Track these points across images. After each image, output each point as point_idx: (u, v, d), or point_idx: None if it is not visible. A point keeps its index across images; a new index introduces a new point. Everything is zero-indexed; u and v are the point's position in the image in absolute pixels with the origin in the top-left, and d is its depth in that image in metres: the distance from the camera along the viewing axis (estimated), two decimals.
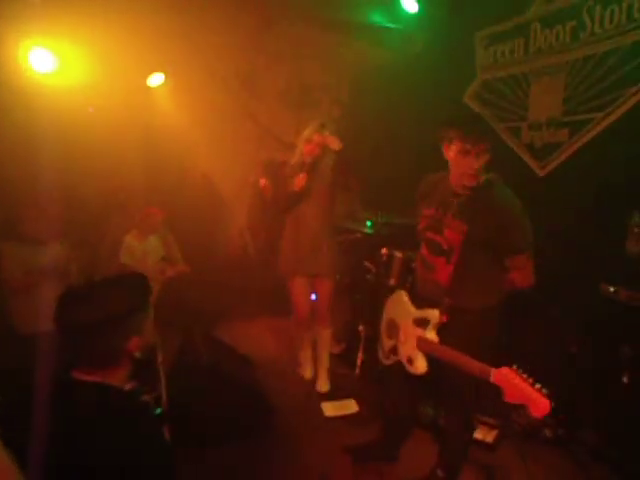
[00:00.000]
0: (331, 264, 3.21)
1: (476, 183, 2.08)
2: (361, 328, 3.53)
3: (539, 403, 1.56)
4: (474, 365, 1.84)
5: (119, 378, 1.28)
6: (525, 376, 1.65)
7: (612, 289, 2.43)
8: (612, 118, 2.86)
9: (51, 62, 3.75)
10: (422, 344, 2.12)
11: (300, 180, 3.04)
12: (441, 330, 2.11)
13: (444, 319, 2.09)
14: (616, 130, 2.84)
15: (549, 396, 1.57)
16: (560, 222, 2.88)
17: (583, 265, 2.70)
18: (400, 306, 2.37)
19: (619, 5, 2.76)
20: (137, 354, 1.31)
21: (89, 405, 1.18)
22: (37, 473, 1.09)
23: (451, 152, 2.10)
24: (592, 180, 2.88)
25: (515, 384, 1.64)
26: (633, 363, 2.31)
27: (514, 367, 1.69)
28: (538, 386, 1.60)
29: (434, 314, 2.10)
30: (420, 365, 2.13)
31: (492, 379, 1.73)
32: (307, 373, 3.50)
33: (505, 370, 1.70)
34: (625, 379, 2.31)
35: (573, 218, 2.89)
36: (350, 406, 3.16)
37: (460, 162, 2.06)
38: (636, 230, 2.54)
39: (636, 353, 2.30)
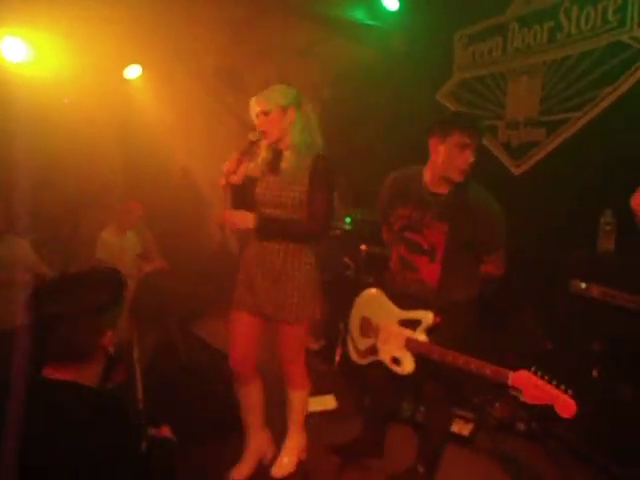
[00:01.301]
0: (295, 308, 2.18)
1: (463, 180, 2.09)
2: (341, 325, 3.54)
3: (566, 403, 1.58)
4: (485, 367, 1.82)
5: (92, 374, 1.26)
6: (547, 378, 1.66)
7: (583, 285, 2.48)
8: (588, 118, 2.92)
9: (24, 52, 3.66)
10: (413, 345, 2.11)
11: (229, 164, 2.08)
12: (429, 330, 2.11)
13: (438, 320, 2.08)
14: (592, 130, 2.90)
15: (574, 397, 1.58)
16: (533, 220, 2.94)
17: (555, 262, 2.75)
18: (377, 305, 2.36)
19: (594, 7, 2.82)
20: (110, 349, 1.29)
21: (60, 405, 1.15)
22: (9, 472, 1.07)
23: (445, 146, 2.06)
24: (567, 179, 2.94)
25: (538, 386, 1.66)
26: (603, 358, 2.37)
27: (532, 369, 1.70)
28: (563, 387, 1.62)
29: (427, 316, 2.09)
30: (408, 365, 2.13)
31: (510, 382, 1.73)
32: (250, 448, 2.38)
33: (525, 373, 1.71)
34: (594, 373, 2.37)
35: (546, 216, 2.94)
36: (329, 402, 3.17)
37: (456, 156, 2.04)
38: (608, 228, 2.60)
39: (605, 348, 2.36)
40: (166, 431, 1.57)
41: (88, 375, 1.25)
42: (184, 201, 5.05)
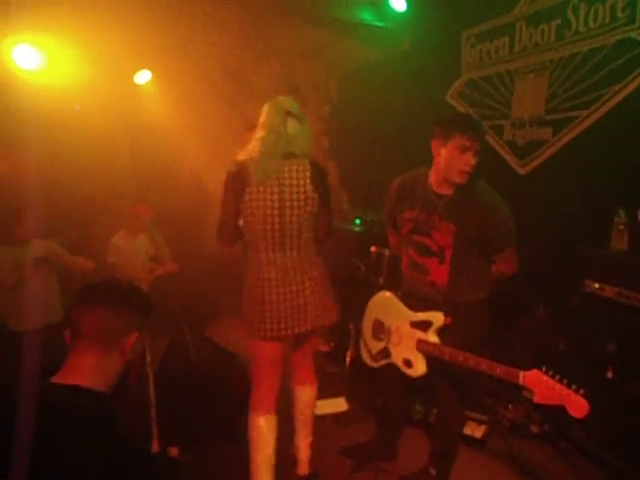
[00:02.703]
0: None
1: (465, 181, 2.08)
2: (351, 326, 3.54)
3: (578, 403, 1.57)
4: (496, 367, 1.82)
5: (110, 369, 1.27)
6: (558, 377, 1.65)
7: (597, 285, 2.46)
8: (596, 116, 2.89)
9: (37, 59, 3.72)
10: (424, 346, 2.11)
11: None
12: (440, 330, 2.11)
13: (449, 321, 2.08)
14: (600, 128, 2.87)
15: (586, 396, 1.57)
16: (543, 220, 2.91)
17: (568, 262, 2.73)
18: (389, 307, 2.36)
19: (603, 4, 2.80)
20: (130, 355, 1.31)
21: (64, 410, 1.16)
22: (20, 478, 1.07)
23: (447, 148, 2.06)
24: (574, 178, 2.92)
25: (549, 386, 1.65)
26: (617, 359, 2.35)
27: (543, 369, 1.69)
28: (574, 387, 1.61)
29: (438, 317, 2.09)
30: (420, 367, 2.13)
31: (521, 381, 1.73)
32: None
33: (536, 372, 1.70)
34: (609, 374, 2.34)
35: (556, 216, 2.91)
36: (340, 404, 3.17)
37: (457, 158, 2.04)
38: (621, 227, 2.57)
39: (620, 348, 2.33)
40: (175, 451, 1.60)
41: (107, 367, 1.26)
42: (194, 204, 5.08)
